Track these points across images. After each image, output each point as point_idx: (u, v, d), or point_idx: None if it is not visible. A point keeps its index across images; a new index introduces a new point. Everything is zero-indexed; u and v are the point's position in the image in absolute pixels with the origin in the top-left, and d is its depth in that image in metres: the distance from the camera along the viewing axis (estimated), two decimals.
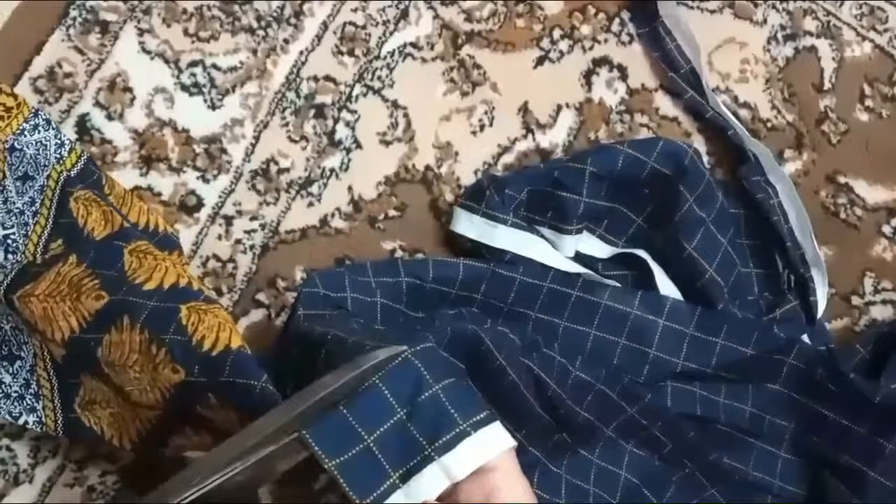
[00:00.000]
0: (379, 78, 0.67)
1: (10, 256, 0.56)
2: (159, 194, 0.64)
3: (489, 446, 0.44)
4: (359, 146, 0.66)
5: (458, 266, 0.60)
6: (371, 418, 0.44)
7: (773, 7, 0.71)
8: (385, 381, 0.45)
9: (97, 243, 0.56)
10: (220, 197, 0.64)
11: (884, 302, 0.67)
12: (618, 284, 0.62)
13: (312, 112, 0.66)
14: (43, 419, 0.56)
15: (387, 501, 0.42)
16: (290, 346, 0.54)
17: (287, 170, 0.65)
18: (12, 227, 0.56)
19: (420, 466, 0.43)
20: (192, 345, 0.51)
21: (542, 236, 0.62)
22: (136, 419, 0.55)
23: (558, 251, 0.62)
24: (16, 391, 0.56)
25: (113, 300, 0.53)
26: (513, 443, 0.45)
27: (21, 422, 0.56)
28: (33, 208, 0.58)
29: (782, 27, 0.71)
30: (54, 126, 0.61)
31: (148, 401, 0.53)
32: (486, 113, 0.68)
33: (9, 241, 0.56)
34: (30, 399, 0.56)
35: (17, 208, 0.57)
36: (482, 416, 0.45)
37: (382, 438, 0.44)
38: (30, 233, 0.57)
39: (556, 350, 0.56)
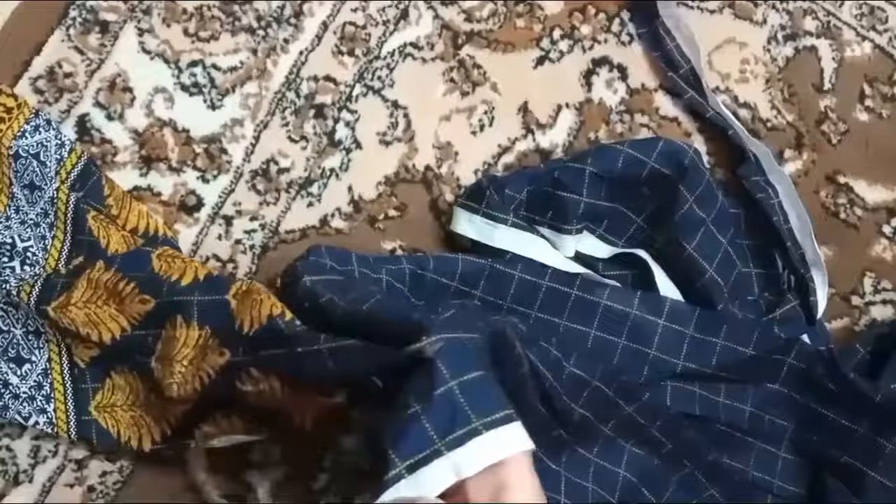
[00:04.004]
0: (379, 78, 0.67)
1: (27, 268, 0.57)
2: (159, 194, 0.64)
3: (501, 447, 0.44)
4: (359, 146, 0.66)
5: (458, 260, 0.60)
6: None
7: (773, 7, 0.71)
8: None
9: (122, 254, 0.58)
10: (220, 197, 0.64)
11: (884, 302, 0.67)
12: (617, 284, 0.62)
13: (312, 112, 0.66)
14: (54, 420, 0.57)
15: (394, 491, 0.42)
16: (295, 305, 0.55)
17: (287, 170, 0.65)
18: (29, 239, 0.57)
19: (428, 460, 0.43)
20: (235, 328, 0.53)
21: (542, 236, 0.62)
22: (164, 418, 0.57)
23: (558, 251, 0.62)
24: (25, 392, 0.57)
25: (160, 303, 0.54)
26: (529, 445, 0.44)
27: (31, 422, 0.56)
28: (48, 220, 0.58)
29: (782, 27, 0.71)
30: (55, 126, 0.61)
31: (185, 394, 0.54)
32: (486, 113, 0.68)
33: (28, 254, 0.57)
34: (40, 400, 0.57)
35: (31, 220, 0.58)
36: (499, 415, 0.45)
37: (395, 430, 0.44)
38: (49, 247, 0.58)
39: (553, 344, 0.56)
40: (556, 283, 0.60)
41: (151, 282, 0.55)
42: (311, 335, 0.51)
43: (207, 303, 0.54)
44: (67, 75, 0.64)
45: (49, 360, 0.58)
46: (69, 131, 0.64)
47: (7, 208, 0.57)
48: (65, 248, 0.59)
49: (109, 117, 0.64)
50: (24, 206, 0.58)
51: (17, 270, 0.57)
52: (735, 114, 0.68)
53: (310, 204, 0.65)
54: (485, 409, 0.45)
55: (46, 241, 0.58)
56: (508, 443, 0.44)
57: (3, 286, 0.56)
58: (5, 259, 0.56)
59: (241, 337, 0.53)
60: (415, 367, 0.45)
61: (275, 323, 0.52)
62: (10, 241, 0.57)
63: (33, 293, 0.55)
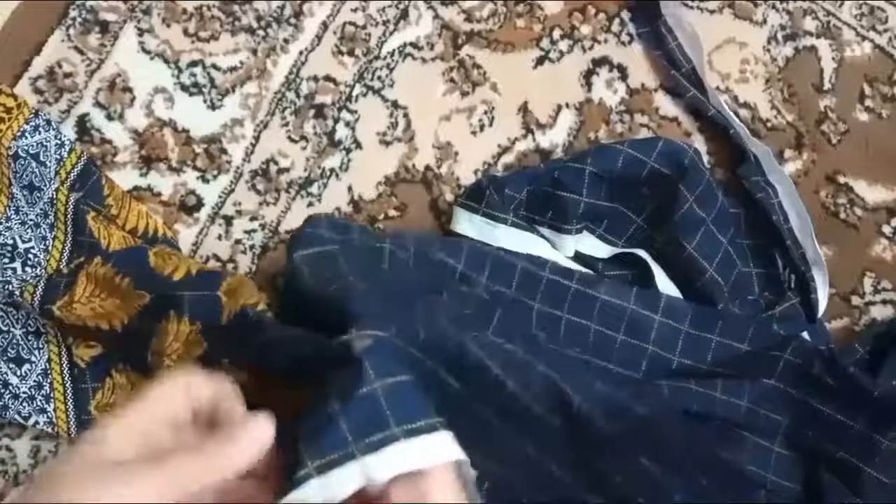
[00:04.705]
0: (379, 78, 0.67)
1: (28, 269, 0.57)
2: (159, 194, 0.64)
3: (420, 456, 0.41)
4: (359, 146, 0.66)
5: (462, 243, 0.60)
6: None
7: (773, 7, 0.71)
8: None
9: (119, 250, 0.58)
10: (220, 197, 0.64)
11: (884, 302, 0.67)
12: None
13: (312, 112, 0.66)
14: (54, 420, 0.57)
15: (302, 492, 0.40)
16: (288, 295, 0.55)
17: (287, 170, 0.65)
18: (30, 240, 0.57)
19: (339, 462, 0.41)
20: (222, 322, 0.53)
21: (542, 236, 0.62)
22: None
23: (558, 251, 0.62)
24: (25, 392, 0.57)
25: (155, 298, 0.54)
26: (455, 457, 0.42)
27: (31, 422, 0.57)
28: (48, 221, 0.59)
29: (782, 27, 0.71)
30: (54, 126, 0.61)
31: None
32: (486, 113, 0.68)
33: (29, 255, 0.57)
34: (40, 400, 0.57)
35: (31, 220, 0.58)
36: (421, 423, 0.42)
37: (311, 428, 0.42)
38: (50, 248, 0.58)
39: (559, 343, 0.55)
40: (556, 275, 0.60)
41: (147, 277, 0.55)
42: (272, 324, 0.50)
43: (198, 297, 0.54)
44: (67, 75, 0.64)
45: (49, 360, 0.58)
46: (69, 131, 0.64)
47: (7, 209, 0.57)
48: (66, 249, 0.59)
49: (109, 117, 0.64)
50: (23, 207, 0.58)
51: (19, 271, 0.57)
52: (735, 114, 0.68)
53: (310, 204, 0.65)
54: (407, 415, 0.42)
55: (47, 242, 0.58)
56: (429, 453, 0.42)
57: (6, 287, 0.56)
58: (6, 260, 0.56)
59: (218, 328, 0.53)
60: (343, 363, 0.44)
61: (245, 312, 0.53)
62: (10, 242, 0.57)
63: (37, 294, 0.55)
